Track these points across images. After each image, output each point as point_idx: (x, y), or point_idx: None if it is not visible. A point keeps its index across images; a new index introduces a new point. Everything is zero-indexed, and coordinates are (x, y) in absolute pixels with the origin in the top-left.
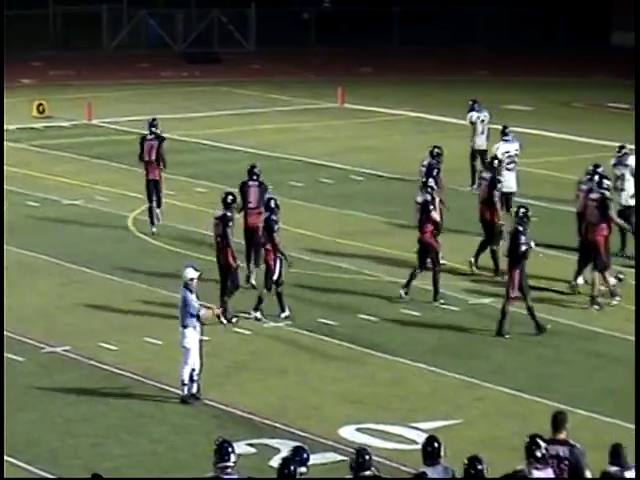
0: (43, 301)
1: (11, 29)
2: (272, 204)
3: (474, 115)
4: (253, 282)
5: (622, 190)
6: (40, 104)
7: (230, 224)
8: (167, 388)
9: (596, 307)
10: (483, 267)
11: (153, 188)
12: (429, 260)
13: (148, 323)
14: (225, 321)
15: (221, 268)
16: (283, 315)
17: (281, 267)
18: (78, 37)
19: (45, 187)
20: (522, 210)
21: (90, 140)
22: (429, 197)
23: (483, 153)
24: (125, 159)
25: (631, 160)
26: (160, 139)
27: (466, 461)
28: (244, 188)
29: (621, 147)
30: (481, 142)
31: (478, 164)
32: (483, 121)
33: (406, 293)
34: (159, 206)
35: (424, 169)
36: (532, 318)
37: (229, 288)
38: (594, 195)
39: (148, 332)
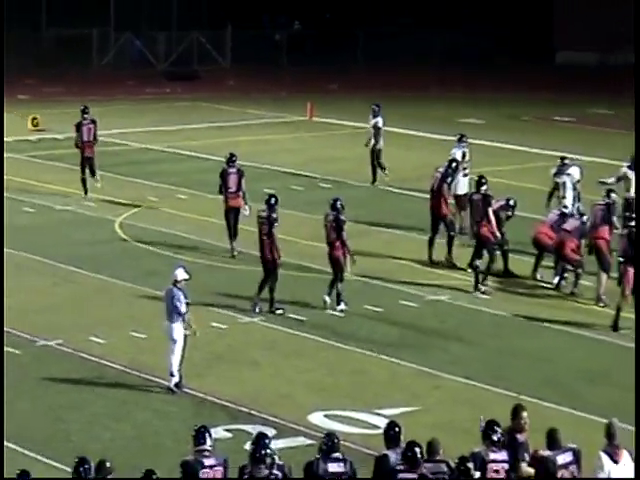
0: (37, 298)
1: (10, 49)
2: (338, 205)
3: (380, 120)
4: (235, 253)
5: (564, 198)
6: (34, 118)
7: (276, 224)
8: (150, 378)
9: (601, 304)
10: (439, 264)
11: (87, 163)
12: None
13: (133, 318)
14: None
15: (264, 263)
16: (339, 308)
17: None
18: (70, 57)
19: (40, 194)
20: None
21: None
22: (486, 190)
23: (380, 152)
24: (113, 169)
25: (572, 170)
26: (94, 122)
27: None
28: (224, 174)
29: (563, 158)
30: (382, 143)
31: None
32: (383, 124)
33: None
34: (93, 175)
35: (439, 175)
36: (617, 316)
37: (272, 282)
38: (601, 201)
39: (133, 327)
